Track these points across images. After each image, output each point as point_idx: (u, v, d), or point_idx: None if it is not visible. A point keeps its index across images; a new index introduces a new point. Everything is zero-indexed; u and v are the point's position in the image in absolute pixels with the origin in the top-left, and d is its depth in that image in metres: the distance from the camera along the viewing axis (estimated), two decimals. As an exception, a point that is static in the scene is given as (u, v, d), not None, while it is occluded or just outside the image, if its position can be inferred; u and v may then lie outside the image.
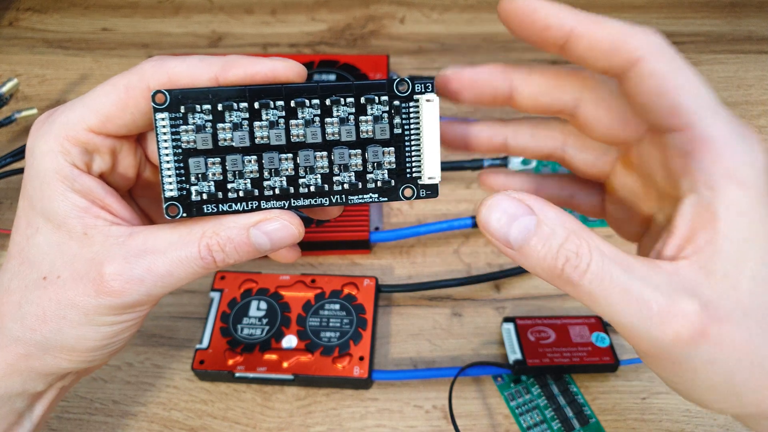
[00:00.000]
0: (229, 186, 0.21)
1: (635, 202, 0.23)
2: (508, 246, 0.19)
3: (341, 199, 0.21)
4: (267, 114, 0.20)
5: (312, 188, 0.21)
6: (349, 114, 0.21)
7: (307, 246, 0.40)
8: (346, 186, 0.21)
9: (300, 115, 0.20)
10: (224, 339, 0.35)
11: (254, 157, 0.20)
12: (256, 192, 0.21)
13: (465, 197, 0.43)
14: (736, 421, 0.22)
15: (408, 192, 0.22)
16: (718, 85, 0.48)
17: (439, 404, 0.35)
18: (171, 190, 0.20)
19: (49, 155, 0.22)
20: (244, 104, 0.20)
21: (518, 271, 0.39)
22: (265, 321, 0.36)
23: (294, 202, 0.21)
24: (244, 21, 0.54)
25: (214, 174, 0.20)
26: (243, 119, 0.20)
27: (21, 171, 0.43)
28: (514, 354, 0.34)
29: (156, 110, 0.20)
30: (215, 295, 0.37)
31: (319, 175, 0.21)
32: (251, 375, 0.34)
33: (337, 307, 0.36)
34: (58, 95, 0.49)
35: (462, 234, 0.41)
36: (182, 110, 0.20)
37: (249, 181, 0.21)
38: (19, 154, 0.42)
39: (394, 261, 0.40)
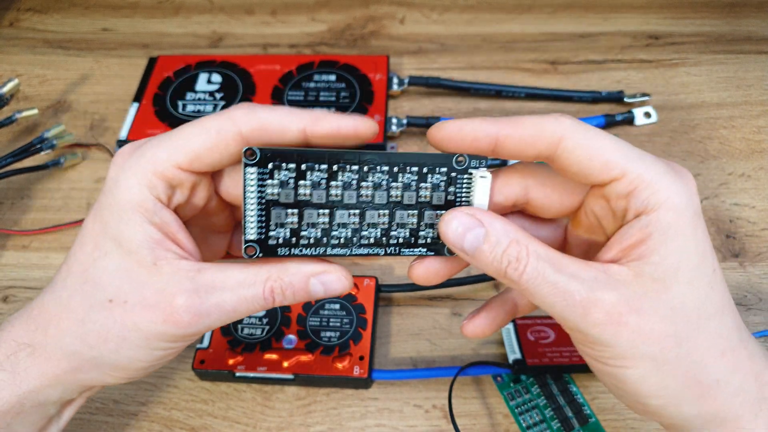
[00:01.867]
0: (302, 234, 0.23)
1: (588, 249, 0.26)
2: (464, 252, 0.23)
3: (395, 251, 0.24)
4: (343, 176, 0.23)
5: (372, 240, 0.24)
6: (413, 181, 0.23)
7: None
8: (400, 240, 0.24)
9: (370, 178, 0.23)
10: (225, 339, 0.35)
11: (327, 211, 0.23)
12: (324, 240, 0.23)
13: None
14: None
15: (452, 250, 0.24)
16: (718, 86, 0.48)
17: (439, 404, 0.35)
18: (252, 233, 0.23)
19: (135, 188, 0.24)
20: (324, 166, 0.23)
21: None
22: (265, 321, 0.36)
23: (354, 251, 0.24)
24: (244, 21, 0.54)
25: (291, 223, 0.23)
26: (321, 179, 0.23)
27: (22, 171, 0.43)
28: (514, 354, 0.34)
29: (246, 165, 0.22)
30: (216, 295, 0.37)
31: (379, 230, 0.24)
32: (251, 374, 0.34)
33: (338, 306, 0.36)
34: (58, 95, 0.49)
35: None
36: (270, 167, 0.22)
37: (320, 231, 0.23)
38: (20, 154, 0.42)
39: (394, 260, 0.40)
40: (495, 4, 0.54)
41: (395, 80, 0.47)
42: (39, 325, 0.25)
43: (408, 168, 0.23)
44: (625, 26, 0.52)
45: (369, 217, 0.24)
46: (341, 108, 0.45)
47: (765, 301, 0.38)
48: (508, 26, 0.53)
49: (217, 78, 0.47)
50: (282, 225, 0.23)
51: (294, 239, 0.23)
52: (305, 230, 0.23)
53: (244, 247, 0.23)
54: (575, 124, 0.23)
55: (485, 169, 0.24)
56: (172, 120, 0.45)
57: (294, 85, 0.46)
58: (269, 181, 0.22)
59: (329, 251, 0.24)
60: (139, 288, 0.24)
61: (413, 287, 0.38)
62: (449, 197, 0.24)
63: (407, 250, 0.24)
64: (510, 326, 0.36)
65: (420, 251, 0.24)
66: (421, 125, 0.45)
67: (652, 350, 0.22)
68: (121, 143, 0.44)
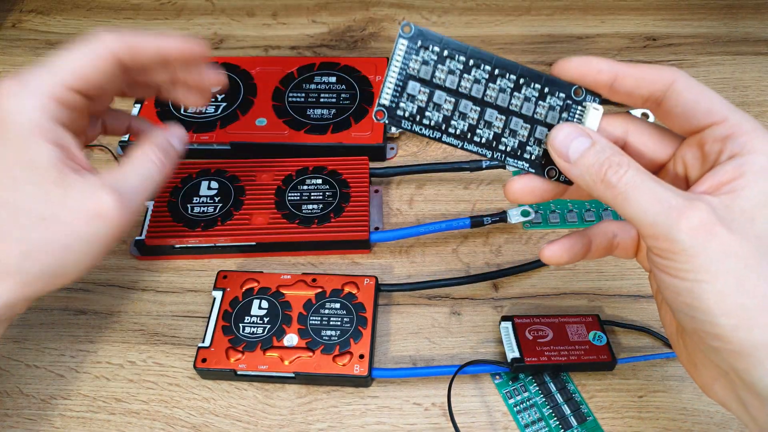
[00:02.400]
0: (426, 113, 0.25)
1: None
2: (566, 159, 0.25)
3: (500, 157, 0.26)
4: (476, 72, 0.25)
5: (482, 140, 0.25)
6: (533, 96, 0.25)
7: (308, 246, 0.40)
8: (508, 149, 0.26)
9: (498, 82, 0.25)
10: (226, 337, 0.36)
11: (454, 99, 0.25)
12: (443, 126, 0.25)
13: (463, 197, 0.43)
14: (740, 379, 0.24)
15: (552, 173, 0.26)
16: (715, 86, 0.48)
17: (438, 402, 0.35)
18: (386, 99, 0.24)
19: (30, 112, 0.27)
20: (462, 58, 0.24)
21: (516, 271, 0.40)
22: (266, 320, 0.36)
23: (466, 146, 0.26)
24: (245, 23, 0.54)
25: (420, 100, 0.25)
26: (457, 68, 0.24)
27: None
28: (512, 352, 0.35)
29: (401, 36, 0.24)
30: (217, 294, 0.37)
31: (492, 132, 0.25)
32: (253, 373, 0.35)
33: (338, 305, 0.37)
34: (61, 97, 0.50)
35: (461, 234, 0.42)
36: (418, 44, 0.24)
37: (442, 116, 0.25)
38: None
39: (394, 260, 0.41)
40: (494, 7, 0.55)
41: (395, 81, 0.47)
42: None
43: (533, 84, 0.25)
44: (623, 28, 0.53)
45: (488, 115, 0.25)
46: (341, 109, 0.45)
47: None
48: (506, 28, 0.53)
49: (218, 79, 0.47)
50: (412, 99, 0.24)
51: (418, 117, 0.25)
52: (429, 111, 0.25)
53: (375, 110, 0.25)
54: (686, 74, 0.25)
55: (598, 103, 0.26)
56: (174, 121, 0.45)
57: (294, 87, 0.46)
58: (414, 56, 0.24)
59: (444, 138, 0.25)
60: (62, 202, 0.27)
61: (413, 286, 0.38)
62: (562, 120, 0.26)
63: (512, 160, 0.26)
64: (508, 325, 0.36)
65: (523, 165, 0.26)
66: (420, 126, 0.45)
67: (737, 266, 0.22)
68: (123, 145, 0.45)
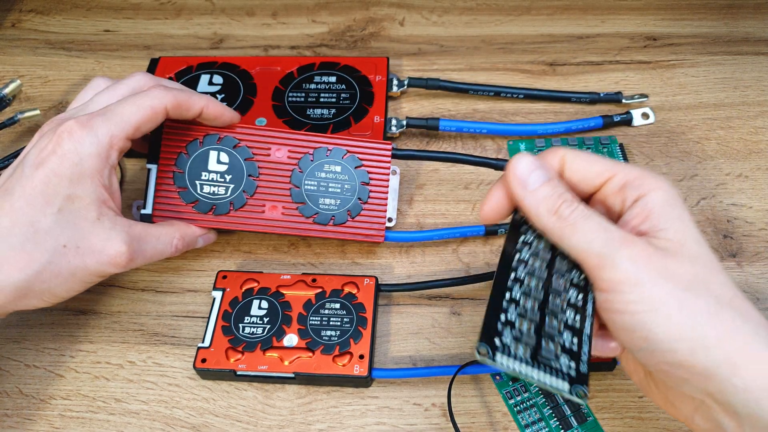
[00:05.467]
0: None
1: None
2: (525, 186, 0.27)
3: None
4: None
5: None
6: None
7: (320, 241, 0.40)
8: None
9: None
10: (226, 338, 0.36)
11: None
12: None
13: (463, 197, 0.43)
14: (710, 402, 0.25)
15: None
16: (716, 86, 0.48)
17: (438, 402, 0.35)
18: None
19: (96, 159, 0.31)
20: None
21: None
22: (266, 320, 0.36)
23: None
24: (245, 23, 0.54)
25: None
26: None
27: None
28: (513, 352, 0.35)
29: (480, 363, 0.26)
30: (217, 295, 0.37)
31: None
32: (252, 373, 0.35)
33: (338, 306, 0.36)
34: (60, 96, 0.50)
35: (461, 234, 0.42)
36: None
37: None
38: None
39: (394, 260, 0.41)
40: (494, 6, 0.55)
41: (395, 81, 0.47)
42: None
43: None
44: (623, 28, 0.53)
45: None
46: (341, 109, 0.45)
47: (762, 300, 0.38)
48: (506, 28, 0.53)
49: (218, 79, 0.47)
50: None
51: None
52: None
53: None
54: (571, 148, 0.29)
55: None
56: (178, 123, 0.45)
57: (294, 87, 0.46)
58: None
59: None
60: (87, 236, 0.31)
61: (413, 286, 0.38)
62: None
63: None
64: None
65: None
66: (420, 126, 0.45)
67: (676, 287, 0.24)
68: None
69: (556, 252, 0.29)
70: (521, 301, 0.27)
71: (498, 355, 0.26)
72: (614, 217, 0.27)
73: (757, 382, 0.23)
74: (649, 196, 0.26)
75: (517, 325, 0.27)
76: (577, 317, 0.27)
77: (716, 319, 0.24)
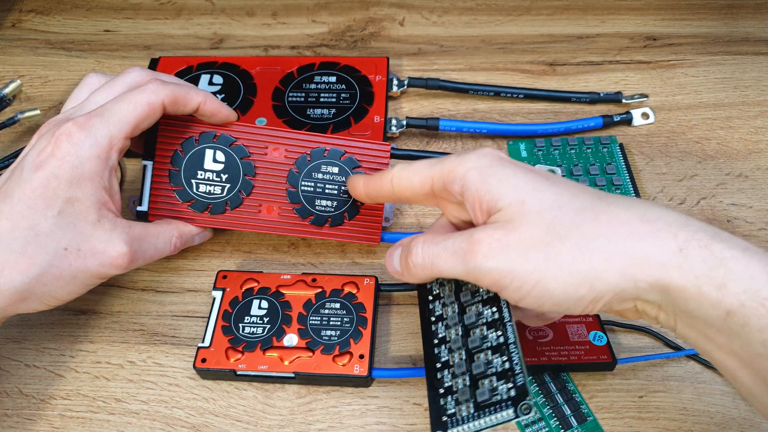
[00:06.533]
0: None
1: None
2: (397, 274, 0.30)
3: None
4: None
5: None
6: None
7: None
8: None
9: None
10: (226, 337, 0.36)
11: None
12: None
13: (464, 197, 0.43)
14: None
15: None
16: (716, 86, 0.48)
17: (439, 402, 0.35)
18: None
19: (96, 161, 0.31)
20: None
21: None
22: (266, 320, 0.36)
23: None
24: (245, 23, 0.54)
25: None
26: None
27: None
28: (513, 352, 0.35)
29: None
30: (217, 294, 0.37)
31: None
32: (252, 373, 0.35)
33: (338, 305, 0.36)
34: (60, 96, 0.50)
35: (461, 234, 0.42)
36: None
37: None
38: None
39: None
40: (494, 6, 0.55)
41: (395, 81, 0.47)
42: None
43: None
44: (623, 28, 0.53)
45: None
46: (341, 109, 0.45)
47: (762, 300, 0.38)
48: (506, 28, 0.53)
49: (218, 79, 0.47)
50: None
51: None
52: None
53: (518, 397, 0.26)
54: (400, 165, 0.30)
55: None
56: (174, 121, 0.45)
57: (295, 86, 0.46)
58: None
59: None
60: (88, 239, 0.31)
61: (413, 286, 0.38)
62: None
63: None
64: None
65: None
66: (420, 126, 0.45)
67: (539, 251, 0.25)
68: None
69: (459, 287, 0.30)
70: (449, 360, 0.28)
71: (450, 431, 0.26)
72: (466, 211, 0.29)
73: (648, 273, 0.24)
74: (465, 182, 0.27)
75: (454, 387, 0.27)
76: (499, 332, 0.27)
77: (588, 254, 0.24)
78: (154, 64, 0.48)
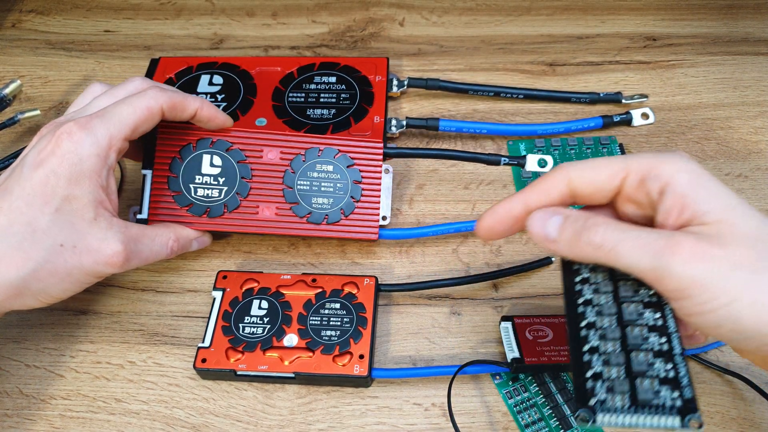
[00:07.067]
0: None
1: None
2: (549, 240, 0.27)
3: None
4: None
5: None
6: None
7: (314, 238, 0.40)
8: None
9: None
10: (226, 337, 0.36)
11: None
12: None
13: (463, 197, 0.43)
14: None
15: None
16: (715, 87, 0.48)
17: (438, 402, 0.35)
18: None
19: (95, 160, 0.31)
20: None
21: (516, 271, 0.40)
22: (266, 320, 0.36)
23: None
24: (245, 23, 0.54)
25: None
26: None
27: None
28: (512, 352, 0.35)
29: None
30: (217, 295, 0.37)
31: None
32: (253, 373, 0.35)
33: (338, 306, 0.37)
34: (60, 96, 0.50)
35: (460, 234, 0.42)
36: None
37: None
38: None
39: (394, 260, 0.41)
40: (493, 7, 0.55)
41: (395, 82, 0.47)
42: None
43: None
44: (623, 28, 0.53)
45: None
46: (341, 109, 0.45)
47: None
48: (506, 28, 0.53)
49: (218, 79, 0.47)
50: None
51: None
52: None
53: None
54: (570, 162, 0.28)
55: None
56: (172, 128, 0.45)
57: (295, 87, 0.46)
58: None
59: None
60: (84, 236, 0.31)
61: (413, 286, 0.38)
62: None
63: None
64: (508, 325, 0.36)
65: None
66: (420, 126, 0.45)
67: (745, 272, 0.23)
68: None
69: (616, 279, 0.27)
70: (601, 347, 0.26)
71: (599, 416, 0.24)
72: (648, 210, 0.26)
73: None
74: (673, 183, 0.25)
75: (605, 375, 0.25)
76: (663, 339, 0.26)
77: None
78: (154, 65, 0.48)
